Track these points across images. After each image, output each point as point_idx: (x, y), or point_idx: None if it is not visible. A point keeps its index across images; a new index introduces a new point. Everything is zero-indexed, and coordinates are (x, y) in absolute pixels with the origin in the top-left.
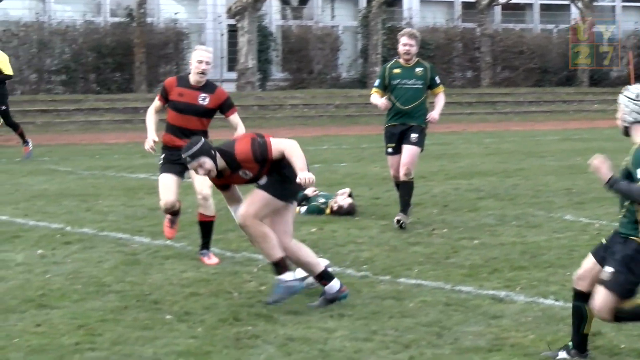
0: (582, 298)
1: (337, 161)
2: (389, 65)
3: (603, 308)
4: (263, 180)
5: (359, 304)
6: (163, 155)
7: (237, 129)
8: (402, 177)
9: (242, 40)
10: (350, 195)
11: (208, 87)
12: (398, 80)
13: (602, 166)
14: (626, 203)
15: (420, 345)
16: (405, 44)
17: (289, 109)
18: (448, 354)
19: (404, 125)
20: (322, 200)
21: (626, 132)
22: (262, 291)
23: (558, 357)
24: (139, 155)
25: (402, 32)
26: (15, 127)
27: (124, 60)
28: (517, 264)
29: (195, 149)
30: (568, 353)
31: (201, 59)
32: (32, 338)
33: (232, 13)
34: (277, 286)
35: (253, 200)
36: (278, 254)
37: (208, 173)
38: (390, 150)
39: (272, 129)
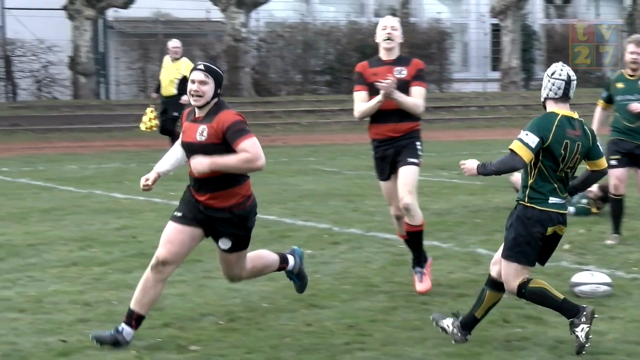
0: (490, 283)
1: None
2: (613, 77)
3: (504, 278)
4: (226, 245)
5: (630, 307)
6: (373, 154)
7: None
8: None
9: (506, 39)
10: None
11: (403, 59)
12: (620, 97)
13: (466, 165)
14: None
15: None
16: (633, 52)
17: None
18: None
19: (632, 143)
20: (584, 200)
21: (544, 107)
22: None
23: (441, 322)
24: None
25: (630, 39)
26: (172, 134)
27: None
28: None
29: (214, 67)
30: (452, 324)
31: (385, 24)
32: (303, 337)
33: (495, 12)
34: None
35: (234, 265)
36: (277, 262)
37: (199, 97)
38: (613, 162)
39: None
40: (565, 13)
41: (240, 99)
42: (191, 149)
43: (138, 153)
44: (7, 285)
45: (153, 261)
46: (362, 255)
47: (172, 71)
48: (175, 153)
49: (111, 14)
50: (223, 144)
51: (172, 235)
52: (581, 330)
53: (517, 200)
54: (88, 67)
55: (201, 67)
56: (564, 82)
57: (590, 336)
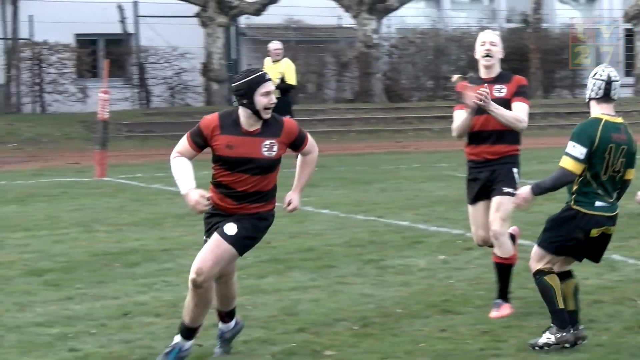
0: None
1: None
2: None
3: (531, 258)
4: (232, 230)
5: None
6: (467, 175)
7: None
8: None
9: (639, 44)
10: None
11: (503, 77)
12: None
13: (519, 195)
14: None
15: None
16: None
17: None
18: None
19: None
20: None
21: (588, 107)
22: None
23: (539, 342)
24: (535, 162)
25: None
26: None
27: (520, 67)
28: None
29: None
30: (550, 332)
31: (484, 40)
32: (437, 343)
33: (628, 17)
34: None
35: (217, 256)
36: (234, 303)
37: (270, 100)
38: None
39: None
40: None
41: (372, 105)
42: (253, 165)
43: None
44: (143, 290)
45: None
46: None
47: (273, 73)
48: (189, 167)
49: (243, 20)
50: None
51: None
52: (547, 338)
53: (566, 203)
54: (220, 73)
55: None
56: (604, 82)
57: (546, 348)
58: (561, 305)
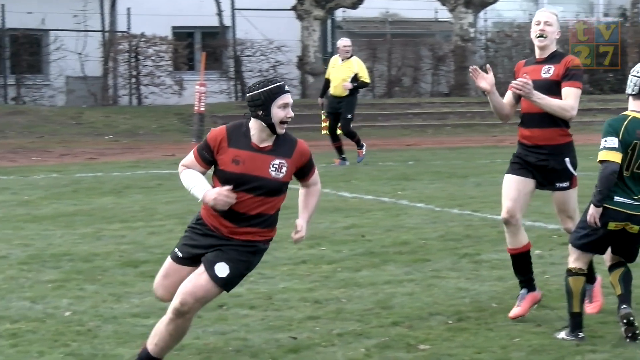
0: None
1: None
2: None
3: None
4: (223, 271)
5: None
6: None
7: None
8: None
9: None
10: None
11: (554, 57)
12: None
13: (591, 219)
14: None
15: None
16: None
17: None
18: None
19: None
20: None
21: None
22: None
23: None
24: None
25: None
26: (352, 135)
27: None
28: None
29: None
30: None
31: (539, 19)
32: (533, 338)
33: None
34: None
35: (204, 295)
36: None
37: (287, 114)
38: None
39: None
40: None
41: (467, 99)
42: (258, 185)
43: (366, 152)
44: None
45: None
46: (595, 258)
47: (343, 70)
48: (199, 174)
49: (340, 14)
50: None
51: (171, 273)
52: (562, 335)
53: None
54: (316, 66)
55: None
56: (639, 79)
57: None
58: (576, 309)
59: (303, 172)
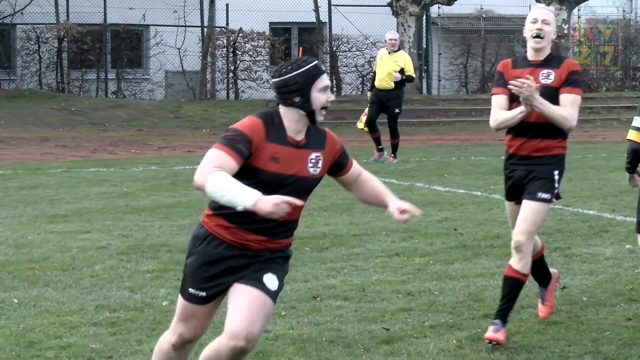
0: None
1: None
2: None
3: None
4: (274, 284)
5: None
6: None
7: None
8: None
9: None
10: None
11: (552, 60)
12: None
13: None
14: None
15: None
16: None
17: None
18: None
19: None
20: None
21: None
22: None
23: None
24: None
25: None
26: (396, 135)
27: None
28: None
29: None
30: None
31: (536, 17)
32: (623, 332)
33: None
34: None
35: (265, 316)
36: None
37: (329, 97)
38: None
39: None
40: None
41: None
42: (297, 186)
43: (459, 147)
44: (332, 274)
45: (177, 340)
46: None
47: (390, 64)
48: (232, 178)
49: (435, 10)
50: None
51: (199, 314)
52: None
53: None
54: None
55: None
56: None
57: None
58: None
59: (341, 164)
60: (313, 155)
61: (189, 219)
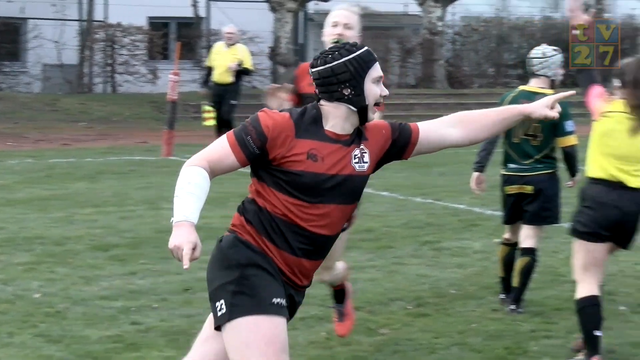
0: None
1: None
2: None
3: None
4: None
5: None
6: None
7: None
8: None
9: None
10: None
11: None
12: None
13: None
14: None
15: None
16: None
17: None
18: None
19: None
20: None
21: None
22: None
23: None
24: None
25: None
26: (229, 124)
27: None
28: None
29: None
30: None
31: (337, 20)
32: (490, 324)
33: None
34: None
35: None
36: None
37: (383, 91)
38: None
39: None
40: None
41: (434, 91)
42: (345, 189)
43: None
44: (205, 267)
45: None
46: (550, 245)
47: (228, 57)
48: (204, 189)
49: (312, 6)
50: None
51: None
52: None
53: None
54: (287, 57)
55: None
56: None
57: None
58: (501, 274)
59: (402, 142)
60: (357, 150)
61: (63, 211)
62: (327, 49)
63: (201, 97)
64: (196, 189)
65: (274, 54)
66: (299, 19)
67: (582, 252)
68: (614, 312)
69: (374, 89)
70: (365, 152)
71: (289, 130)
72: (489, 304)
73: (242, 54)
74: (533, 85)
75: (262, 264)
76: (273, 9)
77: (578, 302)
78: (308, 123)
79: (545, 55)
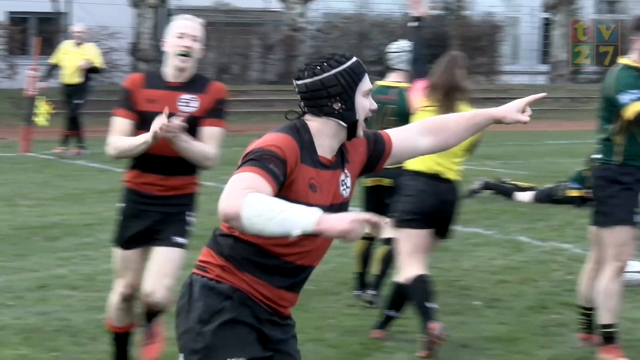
0: None
1: None
2: None
3: None
4: None
5: None
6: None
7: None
8: None
9: (556, 33)
10: None
11: (197, 83)
12: None
13: None
14: None
15: None
16: None
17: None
18: None
19: None
20: None
21: None
22: (569, 280)
23: None
24: None
25: None
26: (76, 126)
27: (439, 52)
28: None
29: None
30: None
31: (183, 31)
32: (346, 319)
33: (548, 6)
34: None
35: None
36: None
37: (373, 105)
38: None
39: (582, 121)
40: (615, 9)
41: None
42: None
43: None
44: (62, 264)
45: None
46: None
47: (77, 57)
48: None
49: (173, 2)
50: None
51: None
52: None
53: None
54: (148, 53)
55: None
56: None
57: None
58: (357, 269)
59: (376, 155)
60: (342, 175)
61: None
62: (313, 60)
63: (45, 93)
64: (280, 201)
65: (134, 50)
66: (160, 14)
67: (406, 239)
68: (468, 306)
69: (364, 103)
70: (348, 177)
71: (296, 154)
72: (345, 300)
73: (91, 53)
74: (391, 79)
75: (234, 315)
76: (134, 5)
77: (406, 283)
78: (307, 148)
79: (402, 49)
